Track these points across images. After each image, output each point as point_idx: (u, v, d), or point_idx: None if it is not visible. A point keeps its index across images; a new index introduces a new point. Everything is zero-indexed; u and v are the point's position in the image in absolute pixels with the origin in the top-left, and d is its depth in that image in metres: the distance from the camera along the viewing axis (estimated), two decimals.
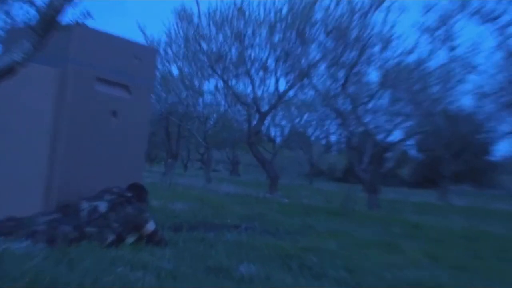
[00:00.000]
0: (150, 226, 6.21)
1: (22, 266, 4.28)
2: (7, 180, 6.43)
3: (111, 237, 5.82)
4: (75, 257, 4.81)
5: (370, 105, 18.36)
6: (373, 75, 31.89)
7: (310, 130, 32.15)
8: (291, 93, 19.95)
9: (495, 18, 14.75)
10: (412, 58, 16.91)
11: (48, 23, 4.07)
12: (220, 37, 18.01)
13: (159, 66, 20.55)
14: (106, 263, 4.79)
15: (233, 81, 19.59)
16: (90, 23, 6.60)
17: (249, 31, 17.51)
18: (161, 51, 19.98)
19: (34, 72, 6.17)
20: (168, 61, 20.80)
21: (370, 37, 16.15)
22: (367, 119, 18.18)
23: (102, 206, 6.07)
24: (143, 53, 7.39)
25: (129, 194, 6.38)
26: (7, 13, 6.02)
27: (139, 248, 5.76)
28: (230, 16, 17.44)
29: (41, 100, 6.43)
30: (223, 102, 23.62)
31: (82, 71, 6.57)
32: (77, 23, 4.81)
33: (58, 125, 6.41)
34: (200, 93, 22.39)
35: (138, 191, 6.60)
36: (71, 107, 6.47)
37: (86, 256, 4.89)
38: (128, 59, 7.15)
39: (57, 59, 6.50)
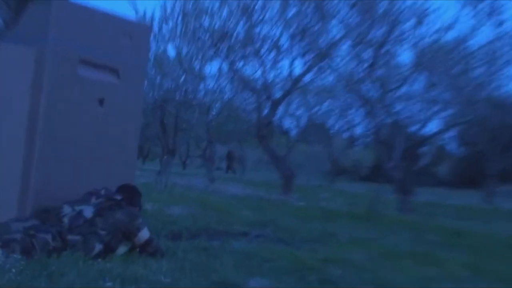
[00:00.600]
0: (144, 234, 6.23)
1: None
2: None
3: (98, 247, 5.84)
4: (56, 270, 4.83)
5: (401, 91, 18.33)
6: (406, 56, 31.83)
7: (330, 121, 32.11)
8: (308, 77, 19.89)
9: None
10: (451, 35, 16.88)
11: None
12: (225, 11, 17.99)
13: (153, 46, 20.55)
14: (92, 276, 4.81)
15: (240, 64, 19.56)
16: None
17: (259, 4, 17.48)
18: (155, 29, 19.98)
19: (7, 53, 6.18)
20: (163, 40, 20.80)
21: (401, 11, 16.10)
22: (398, 107, 18.16)
23: (88, 211, 6.09)
24: (134, 31, 7.39)
25: (119, 197, 6.40)
26: None
27: (131, 260, 5.77)
28: None
29: (15, 86, 6.45)
30: (228, 88, 23.60)
31: (63, 52, 6.57)
32: None
33: (34, 115, 6.42)
34: (201, 78, 22.35)
35: (129, 193, 6.61)
36: (49, 94, 6.47)
37: (68, 268, 4.91)
38: (116, 38, 7.15)
39: (34, 37, 6.51)
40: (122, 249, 6.02)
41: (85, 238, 5.84)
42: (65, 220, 6.00)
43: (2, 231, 5.69)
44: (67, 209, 6.11)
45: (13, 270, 4.70)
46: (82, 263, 5.26)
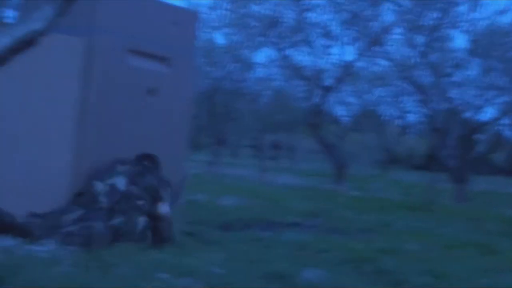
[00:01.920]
0: (165, 208, 6.24)
1: (49, 272, 4.36)
2: (29, 169, 6.49)
3: (142, 221, 5.90)
4: (110, 261, 4.88)
5: (456, 77, 18.12)
6: (460, 40, 31.47)
7: (383, 109, 31.89)
8: (360, 64, 19.78)
9: None
10: (506, 18, 16.65)
11: None
12: None
13: (201, 34, 20.58)
14: (146, 268, 4.84)
15: (290, 51, 19.50)
16: None
17: None
18: (203, 16, 19.99)
19: (57, 43, 6.23)
20: (211, 28, 20.82)
21: None
22: (453, 93, 17.96)
23: (120, 183, 6.11)
24: (183, 18, 7.41)
25: (145, 163, 6.45)
26: None
27: (184, 251, 5.80)
28: None
29: (64, 76, 6.49)
30: (278, 76, 23.56)
31: (111, 41, 6.61)
32: None
33: (84, 105, 6.47)
34: (251, 66, 22.37)
35: (151, 162, 6.63)
36: (99, 84, 6.52)
37: (122, 260, 4.95)
38: (165, 26, 7.16)
39: (83, 27, 6.55)
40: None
41: (127, 216, 5.88)
42: (102, 198, 6.03)
43: (55, 222, 5.75)
44: (99, 186, 6.13)
45: (69, 262, 4.76)
46: (135, 253, 5.30)
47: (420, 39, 16.85)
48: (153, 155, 6.70)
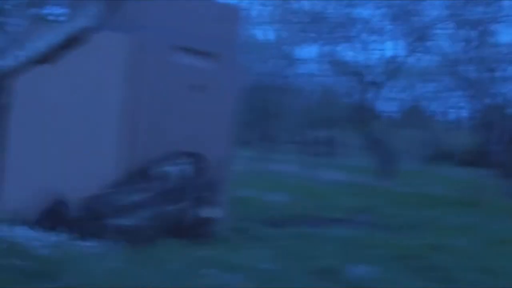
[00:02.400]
0: (210, 212, 6.25)
1: (100, 268, 4.41)
2: (77, 162, 6.56)
3: (191, 215, 5.95)
4: (160, 257, 4.92)
5: (507, 72, 17.94)
6: (507, 35, 31.12)
7: (432, 104, 31.68)
8: (408, 59, 19.68)
9: None
10: None
11: None
12: None
13: (246, 30, 20.58)
14: (195, 264, 4.87)
15: (336, 46, 19.46)
16: None
17: None
18: (249, 12, 19.99)
19: (104, 39, 6.28)
20: (257, 24, 20.83)
21: None
22: (503, 88, 17.79)
23: (174, 171, 6.16)
24: (227, 15, 7.42)
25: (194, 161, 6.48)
26: None
27: (232, 247, 5.82)
28: None
29: (110, 72, 6.54)
30: (324, 72, 23.50)
31: (158, 38, 6.65)
32: None
33: (131, 102, 6.51)
34: (296, 62, 22.34)
35: (198, 161, 6.64)
36: (145, 81, 6.56)
37: (172, 255, 4.98)
38: (209, 22, 7.18)
39: (130, 25, 6.59)
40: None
41: (178, 205, 5.92)
42: (155, 184, 6.07)
43: (103, 214, 5.79)
44: (152, 171, 6.19)
45: (119, 258, 4.81)
46: (183, 250, 5.33)
47: (467, 34, 16.71)
48: (202, 155, 6.72)
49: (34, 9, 4.62)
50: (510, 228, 9.08)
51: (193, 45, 7.00)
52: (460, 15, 16.25)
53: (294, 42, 21.08)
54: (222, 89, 7.27)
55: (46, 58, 4.05)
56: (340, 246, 6.53)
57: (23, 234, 4.83)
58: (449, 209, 11.17)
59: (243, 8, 16.65)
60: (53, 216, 5.81)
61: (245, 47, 20.33)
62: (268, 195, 10.73)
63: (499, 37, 17.85)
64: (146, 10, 6.60)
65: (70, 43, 4.15)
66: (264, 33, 21.54)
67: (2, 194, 6.56)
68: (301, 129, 27.18)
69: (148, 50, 6.59)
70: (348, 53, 19.94)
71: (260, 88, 23.10)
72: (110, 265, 4.57)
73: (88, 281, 4.19)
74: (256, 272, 4.86)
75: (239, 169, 15.70)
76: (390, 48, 18.23)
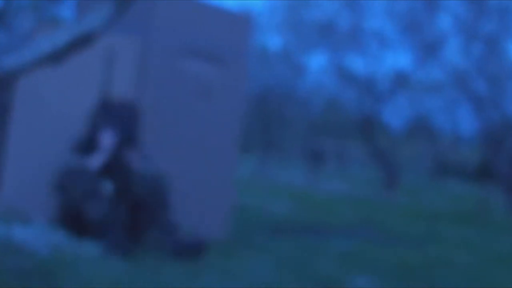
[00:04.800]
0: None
1: (100, 271, 4.40)
2: None
3: None
4: (158, 264, 4.91)
5: None
6: None
7: (437, 118, 31.68)
8: (415, 72, 19.69)
9: None
10: None
11: None
12: (331, 3, 17.94)
13: (255, 38, 20.62)
14: (194, 271, 4.86)
15: (345, 57, 19.48)
16: None
17: None
18: (257, 20, 20.03)
19: (112, 43, 6.29)
20: (265, 32, 20.88)
21: None
22: (509, 104, 17.77)
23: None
24: (237, 23, 7.42)
25: None
26: None
27: (230, 255, 5.81)
28: None
29: (119, 76, 6.54)
30: (331, 82, 23.53)
31: (166, 43, 6.66)
32: None
33: (138, 105, 6.52)
34: (304, 71, 22.38)
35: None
36: (152, 85, 6.57)
37: (162, 265, 4.97)
38: (219, 29, 7.19)
39: (138, 28, 6.60)
40: None
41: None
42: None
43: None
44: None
45: (119, 262, 4.80)
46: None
47: (477, 48, 16.72)
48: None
49: (42, 9, 4.62)
50: None
51: (202, 51, 7.00)
52: (470, 29, 16.25)
53: (304, 51, 21.11)
54: (229, 96, 7.26)
55: (53, 59, 4.03)
56: (341, 257, 6.52)
57: (21, 232, 4.80)
58: (452, 224, 11.15)
59: (254, 16, 16.69)
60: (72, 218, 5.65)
61: (255, 55, 20.42)
62: (271, 204, 10.73)
63: (509, 53, 17.87)
64: (155, 13, 6.61)
65: (79, 44, 4.13)
66: (274, 42, 21.58)
67: (1, 191, 6.55)
68: (307, 138, 27.21)
69: (156, 54, 6.59)
70: (357, 64, 19.98)
71: (266, 96, 23.11)
72: (109, 269, 4.56)
73: (86, 284, 4.18)
74: (254, 281, 4.85)
75: (243, 176, 15.74)
76: (399, 60, 18.25)
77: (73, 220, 5.57)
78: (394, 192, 17.61)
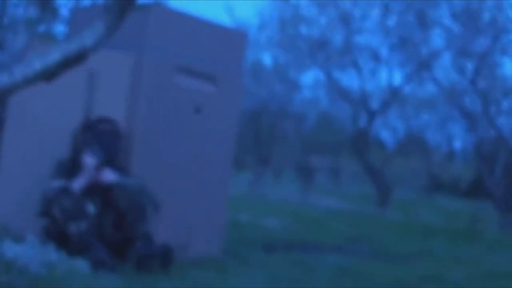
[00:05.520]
0: None
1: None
2: None
3: None
4: (153, 279, 4.90)
5: (505, 104, 17.97)
6: (510, 67, 31.20)
7: (429, 134, 31.77)
8: (407, 88, 19.74)
9: None
10: None
11: (125, 0, 4.15)
12: (323, 19, 17.98)
13: (248, 54, 20.63)
14: (187, 286, 4.86)
15: (337, 73, 19.51)
16: (169, 2, 6.71)
17: (358, 12, 17.42)
18: (251, 36, 20.06)
19: (105, 59, 6.27)
20: (259, 49, 20.90)
21: (508, 20, 15.79)
22: (501, 121, 17.82)
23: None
24: (231, 39, 7.43)
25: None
26: None
27: (225, 270, 5.80)
28: None
29: (112, 92, 6.54)
30: (324, 98, 23.58)
31: (159, 59, 6.66)
32: (156, 2, 4.88)
33: (131, 122, 6.52)
34: (297, 87, 22.41)
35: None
36: (146, 101, 6.56)
37: (162, 278, 4.97)
38: (213, 45, 7.19)
39: (131, 44, 6.60)
40: None
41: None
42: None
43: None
44: None
45: (113, 279, 4.79)
46: (177, 272, 5.32)
47: (469, 65, 16.76)
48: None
49: (35, 26, 4.62)
50: (506, 262, 9.04)
51: (196, 67, 7.00)
52: (462, 46, 16.29)
53: (297, 67, 21.14)
54: (223, 113, 7.26)
55: (45, 77, 4.03)
56: (334, 273, 6.51)
57: (12, 249, 4.79)
58: (444, 240, 11.13)
59: (247, 32, 16.73)
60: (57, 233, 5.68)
61: (248, 71, 20.44)
62: (264, 220, 10.72)
63: (501, 70, 17.92)
64: (149, 29, 6.61)
65: (72, 61, 4.12)
66: (268, 58, 21.62)
67: None
68: (300, 154, 27.19)
69: (150, 71, 6.59)
70: (349, 80, 20.01)
71: (261, 112, 23.12)
72: (101, 284, 4.55)
73: None
74: None
75: (236, 192, 15.71)
76: (392, 76, 18.28)
77: (60, 239, 5.59)
78: (386, 208, 17.60)
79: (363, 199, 22.01)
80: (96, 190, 5.85)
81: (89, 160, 5.82)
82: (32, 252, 4.82)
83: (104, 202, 5.85)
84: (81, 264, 4.96)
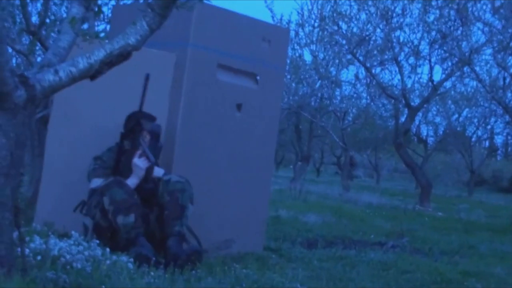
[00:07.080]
0: None
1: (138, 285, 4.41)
2: None
3: None
4: (195, 276, 4.91)
5: None
6: None
7: (470, 130, 31.50)
8: (448, 84, 19.59)
9: None
10: None
11: None
12: (363, 15, 17.91)
13: (289, 51, 20.61)
14: (228, 283, 4.86)
15: (378, 69, 19.43)
16: (211, 1, 6.71)
17: (398, 8, 17.32)
18: (291, 33, 20.04)
19: (148, 57, 6.29)
20: (299, 45, 20.87)
21: None
22: None
23: None
24: (273, 35, 7.40)
25: None
26: None
27: (267, 267, 5.80)
28: None
29: (155, 90, 6.54)
30: (364, 95, 23.47)
31: (202, 56, 6.66)
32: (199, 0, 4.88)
33: (173, 119, 6.53)
34: (337, 83, 22.31)
35: None
36: (188, 98, 6.57)
37: (204, 274, 4.97)
38: (255, 42, 7.17)
39: (175, 42, 6.61)
40: None
41: None
42: None
43: None
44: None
45: (151, 274, 4.81)
46: (219, 269, 5.32)
47: (510, 60, 16.58)
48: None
49: (81, 25, 4.64)
50: None
51: (239, 64, 6.99)
52: (503, 41, 16.12)
53: (337, 64, 21.08)
54: (264, 109, 7.24)
55: (91, 73, 4.07)
56: (376, 269, 6.48)
57: (56, 245, 4.81)
58: (486, 236, 11.04)
59: (289, 29, 16.65)
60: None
61: (289, 68, 20.39)
62: (305, 216, 10.70)
63: None
64: (192, 26, 6.60)
65: (116, 59, 4.15)
66: (308, 55, 21.56)
67: (37, 205, 6.59)
68: (342, 151, 27.11)
69: (193, 68, 6.59)
70: (390, 76, 19.91)
71: (301, 109, 23.04)
72: (148, 281, 4.57)
73: None
74: None
75: (277, 188, 15.70)
76: (432, 72, 18.13)
77: (107, 234, 5.64)
78: (428, 204, 17.48)
79: (404, 195, 21.91)
80: (142, 186, 5.90)
81: (141, 162, 5.88)
82: (77, 249, 4.85)
83: (149, 198, 5.89)
84: (125, 260, 4.97)
